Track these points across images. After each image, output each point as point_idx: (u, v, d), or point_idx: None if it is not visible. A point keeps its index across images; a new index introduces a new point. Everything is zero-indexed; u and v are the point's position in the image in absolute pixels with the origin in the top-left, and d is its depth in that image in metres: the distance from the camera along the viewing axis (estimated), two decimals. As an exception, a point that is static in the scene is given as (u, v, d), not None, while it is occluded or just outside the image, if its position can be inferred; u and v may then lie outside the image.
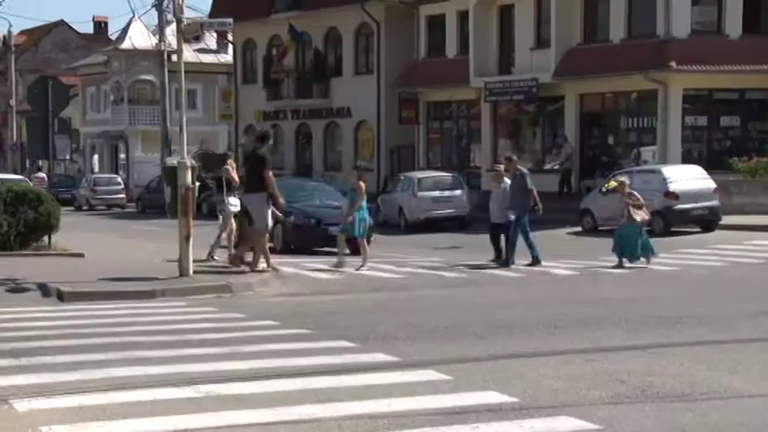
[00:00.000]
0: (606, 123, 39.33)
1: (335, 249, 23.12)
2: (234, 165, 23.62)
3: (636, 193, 22.70)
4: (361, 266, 21.27)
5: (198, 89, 64.71)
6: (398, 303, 16.37)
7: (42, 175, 47.82)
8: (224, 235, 22.38)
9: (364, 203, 22.16)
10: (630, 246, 21.69)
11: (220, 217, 22.51)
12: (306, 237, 25.89)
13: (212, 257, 22.07)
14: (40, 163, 52.39)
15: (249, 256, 20.65)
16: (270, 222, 20.55)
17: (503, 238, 22.38)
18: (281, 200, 20.38)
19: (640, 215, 22.00)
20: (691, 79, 35.96)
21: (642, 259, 21.62)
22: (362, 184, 22.11)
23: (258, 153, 20.54)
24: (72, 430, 7.97)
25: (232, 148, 57.56)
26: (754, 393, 9.22)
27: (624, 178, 24.33)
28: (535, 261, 21.91)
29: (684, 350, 11.45)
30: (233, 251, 21.72)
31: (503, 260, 22.10)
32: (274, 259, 20.86)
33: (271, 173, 20.09)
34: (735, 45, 36.16)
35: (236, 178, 22.10)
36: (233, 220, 22.03)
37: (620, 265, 21.53)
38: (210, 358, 10.98)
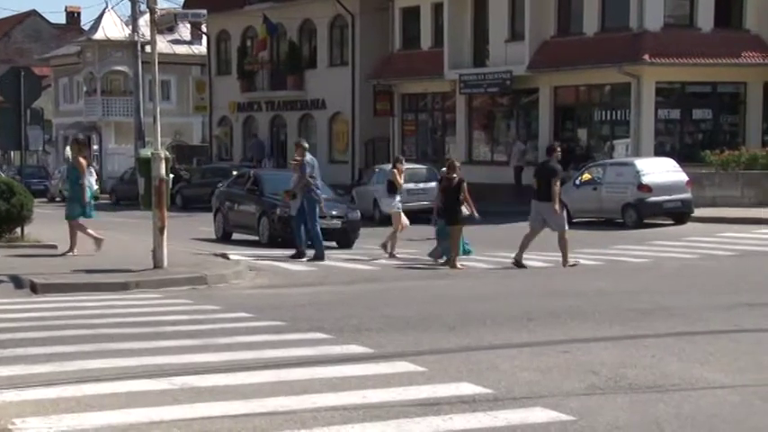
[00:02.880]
0: (580, 116, 39.58)
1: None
2: (401, 169, 24.31)
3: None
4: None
5: (171, 80, 64.53)
6: (372, 295, 16.41)
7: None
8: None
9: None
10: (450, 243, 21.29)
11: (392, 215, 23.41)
12: (292, 230, 25.85)
13: (391, 254, 22.73)
14: (12, 155, 52.04)
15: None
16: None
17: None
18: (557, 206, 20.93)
19: (463, 210, 21.44)
20: (663, 72, 36.24)
21: (442, 260, 21.45)
22: (396, 172, 23.53)
23: (549, 165, 21.11)
24: (46, 422, 7.94)
25: (206, 140, 57.67)
26: (726, 384, 9.29)
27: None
28: (298, 255, 22.20)
29: (656, 341, 11.52)
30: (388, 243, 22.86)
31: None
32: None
33: (558, 183, 20.89)
34: (707, 38, 36.51)
35: (401, 183, 23.45)
36: (403, 218, 23.02)
37: (438, 259, 21.52)
38: (185, 350, 11.00)
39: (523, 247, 20.74)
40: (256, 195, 27.56)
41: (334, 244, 25.64)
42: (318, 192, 23.04)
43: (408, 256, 22.94)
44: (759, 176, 32.13)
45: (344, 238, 26.19)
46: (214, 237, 28.84)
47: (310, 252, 22.51)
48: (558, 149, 22.66)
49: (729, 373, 9.77)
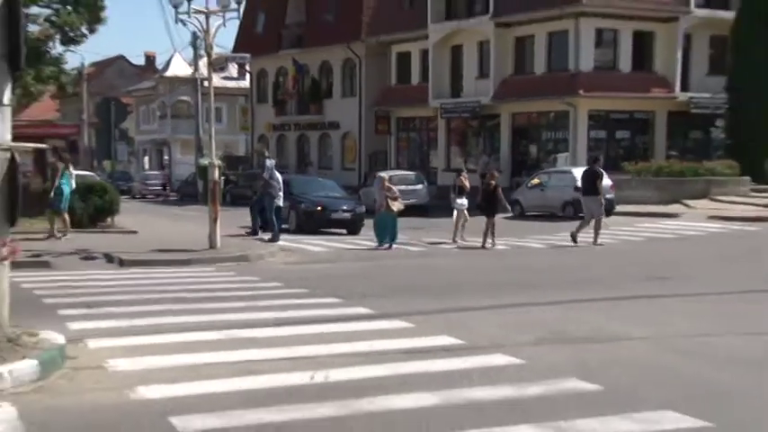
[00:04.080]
0: (531, 135, 39.41)
1: (336, 231, 23.32)
2: (467, 176, 23.69)
3: (394, 187, 21.90)
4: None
5: (223, 107, 64.27)
6: (374, 270, 16.41)
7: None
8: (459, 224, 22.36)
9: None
10: (382, 230, 20.87)
11: (455, 211, 22.38)
12: (314, 221, 25.77)
13: (456, 241, 22.05)
14: (105, 163, 52.04)
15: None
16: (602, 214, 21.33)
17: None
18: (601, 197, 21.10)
19: (396, 206, 21.03)
20: (594, 103, 36.23)
21: (386, 244, 20.61)
22: (462, 179, 22.72)
23: (595, 168, 21.64)
24: (130, 362, 8.04)
25: (249, 152, 57.69)
26: (638, 336, 9.36)
27: (384, 174, 23.25)
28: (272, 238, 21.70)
29: (589, 305, 11.58)
30: (459, 235, 22.10)
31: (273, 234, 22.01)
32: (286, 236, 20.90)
33: (599, 182, 21.26)
34: (626, 78, 36.62)
35: (467, 185, 22.75)
36: (465, 214, 22.20)
37: (380, 246, 20.58)
38: (231, 310, 11.05)
39: (581, 228, 21.05)
40: (286, 194, 27.01)
41: (344, 231, 25.50)
42: (271, 190, 22.62)
43: (466, 243, 21.92)
44: (664, 182, 32.13)
45: (353, 227, 25.82)
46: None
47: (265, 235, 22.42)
48: (601, 159, 23.09)
49: (641, 328, 9.82)
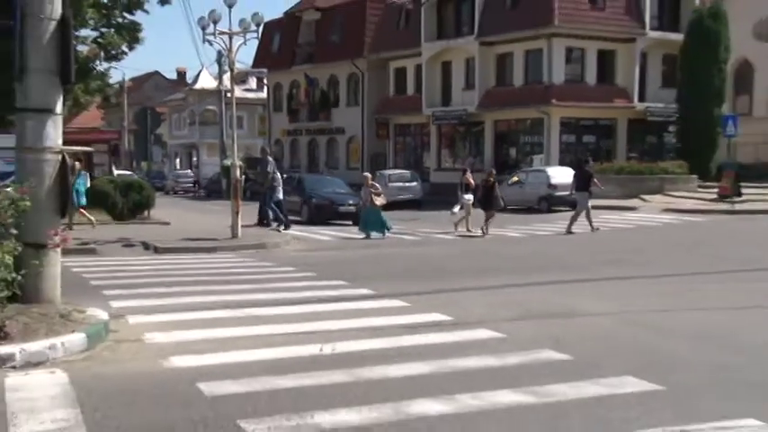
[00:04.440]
0: (511, 139, 39.29)
1: (342, 222, 23.24)
2: (471, 175, 23.31)
3: (377, 184, 21.59)
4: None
5: (244, 115, 64.18)
6: (376, 256, 16.38)
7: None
8: (460, 215, 22.10)
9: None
10: (372, 223, 20.49)
11: (460, 204, 22.10)
12: (323, 213, 25.61)
13: (463, 229, 21.78)
14: (142, 163, 51.97)
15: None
16: (588, 206, 21.33)
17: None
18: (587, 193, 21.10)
19: (379, 200, 20.66)
20: (565, 111, 36.15)
21: (377, 234, 20.30)
22: (468, 177, 22.46)
23: (586, 169, 21.96)
24: (164, 335, 8.04)
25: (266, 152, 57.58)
26: (601, 312, 9.35)
27: (368, 174, 22.90)
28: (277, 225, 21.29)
29: (560, 286, 11.57)
30: (463, 225, 21.93)
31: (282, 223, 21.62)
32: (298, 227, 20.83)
33: (595, 180, 21.91)
34: (592, 90, 36.59)
35: (473, 183, 22.42)
36: (470, 208, 21.98)
37: (367, 237, 20.21)
38: (250, 291, 11.02)
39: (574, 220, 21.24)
40: (300, 190, 27.03)
41: (350, 222, 25.11)
42: (275, 185, 22.09)
43: (469, 233, 21.64)
44: (625, 179, 32.12)
45: (357, 219, 25.53)
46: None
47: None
48: (591, 162, 23.57)
49: (603, 305, 9.82)
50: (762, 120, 38.27)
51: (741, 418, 5.43)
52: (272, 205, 22.05)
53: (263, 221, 22.32)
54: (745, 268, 13.54)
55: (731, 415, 5.50)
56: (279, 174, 23.27)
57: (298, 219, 25.55)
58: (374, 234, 20.47)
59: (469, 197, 22.25)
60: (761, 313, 9.47)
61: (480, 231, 21.04)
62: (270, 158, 23.03)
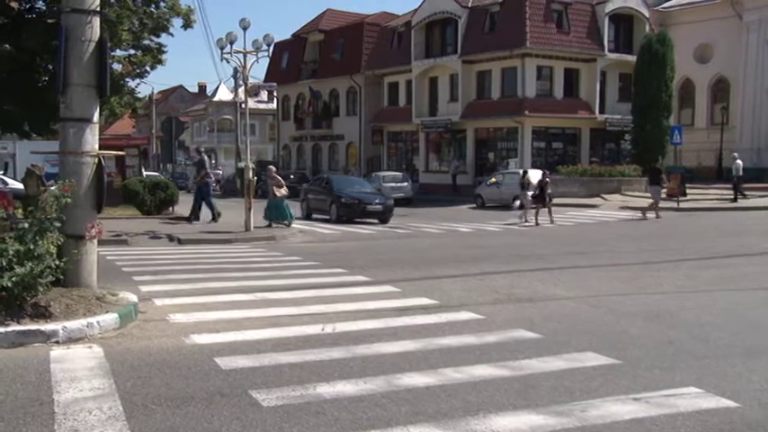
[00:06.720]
0: (490, 145, 39.29)
1: (368, 220, 22.83)
2: (529, 177, 23.87)
3: (278, 176, 20.74)
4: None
5: (256, 123, 64.14)
6: (370, 247, 16.36)
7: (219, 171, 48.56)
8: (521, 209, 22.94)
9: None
10: (274, 212, 19.90)
11: (518, 201, 23.50)
12: (352, 212, 23.68)
13: (528, 220, 22.46)
14: (168, 166, 51.66)
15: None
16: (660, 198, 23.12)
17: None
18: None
19: (280, 192, 20.06)
20: (536, 121, 36.22)
21: (285, 222, 19.63)
22: (528, 178, 23.77)
23: (655, 166, 22.98)
24: (186, 316, 7.99)
25: (275, 157, 57.42)
26: (568, 297, 9.34)
27: (272, 167, 21.95)
28: (214, 217, 20.31)
29: (531, 273, 11.55)
30: (526, 217, 22.61)
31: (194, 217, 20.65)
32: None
33: (663, 176, 23.23)
34: (559, 103, 36.64)
35: (533, 182, 23.15)
36: (527, 202, 22.79)
37: (269, 225, 19.42)
38: (262, 277, 10.98)
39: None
40: (328, 190, 24.71)
41: (376, 221, 23.42)
42: (209, 180, 21.27)
43: (528, 223, 21.96)
44: (588, 180, 32.24)
45: (383, 217, 23.37)
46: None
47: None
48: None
49: (570, 290, 9.80)
50: (702, 130, 39.20)
51: (684, 387, 5.47)
52: (210, 199, 20.87)
53: (191, 217, 20.71)
54: (690, 257, 13.56)
55: (676, 384, 5.54)
56: (210, 171, 21.77)
57: (326, 217, 23.92)
58: (275, 224, 19.64)
59: (528, 194, 22.99)
60: (703, 296, 9.49)
61: (535, 221, 22.00)
62: (205, 157, 21.84)
